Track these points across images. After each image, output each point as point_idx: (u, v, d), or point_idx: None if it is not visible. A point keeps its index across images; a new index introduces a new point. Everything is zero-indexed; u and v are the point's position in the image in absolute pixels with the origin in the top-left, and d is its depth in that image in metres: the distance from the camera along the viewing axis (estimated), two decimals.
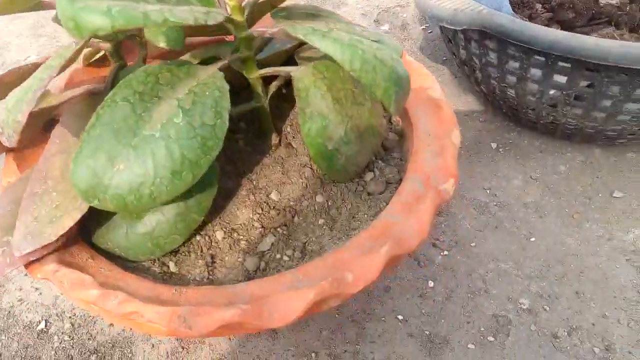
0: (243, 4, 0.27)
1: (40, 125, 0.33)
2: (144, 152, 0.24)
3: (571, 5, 0.58)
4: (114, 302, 0.24)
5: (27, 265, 0.26)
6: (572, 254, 0.45)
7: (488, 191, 0.52)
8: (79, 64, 0.38)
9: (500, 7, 0.46)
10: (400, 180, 0.31)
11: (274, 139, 0.33)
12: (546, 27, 0.41)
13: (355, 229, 0.29)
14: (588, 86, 0.44)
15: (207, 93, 0.25)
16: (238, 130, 0.36)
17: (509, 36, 0.43)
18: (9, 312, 0.42)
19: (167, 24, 0.20)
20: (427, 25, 0.77)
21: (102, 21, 0.20)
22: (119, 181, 0.24)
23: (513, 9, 0.59)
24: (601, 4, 0.60)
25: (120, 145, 0.24)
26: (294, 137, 0.34)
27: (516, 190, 0.51)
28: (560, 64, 0.43)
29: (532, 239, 0.46)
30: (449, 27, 0.47)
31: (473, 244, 0.46)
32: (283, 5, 0.31)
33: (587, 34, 0.56)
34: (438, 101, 0.34)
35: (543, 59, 0.44)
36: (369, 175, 0.32)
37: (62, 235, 0.26)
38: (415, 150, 0.31)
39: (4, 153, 0.32)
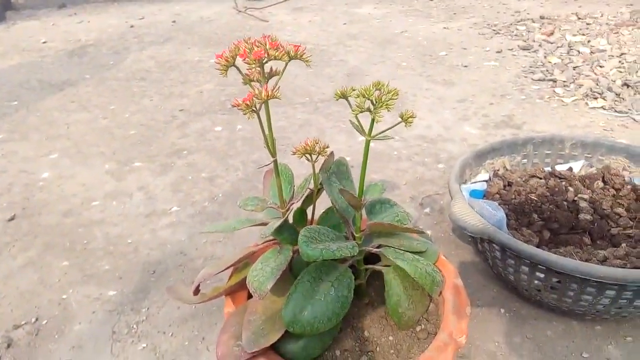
0: (362, 238, 0.56)
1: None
2: (316, 307, 0.51)
3: (556, 219, 0.85)
4: None
5: (249, 359, 0.52)
6: None
7: (496, 343, 0.75)
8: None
9: (502, 227, 0.74)
10: (436, 332, 0.57)
11: (366, 299, 0.60)
12: (527, 245, 0.69)
13: (411, 358, 0.55)
14: (558, 282, 0.70)
15: (344, 280, 0.53)
16: None
17: (505, 247, 0.70)
18: None
19: (343, 256, 0.49)
20: None
21: (317, 255, 0.48)
22: (304, 319, 0.50)
23: (516, 216, 0.88)
24: (580, 219, 0.88)
25: (306, 303, 0.51)
26: (375, 300, 0.61)
27: (516, 345, 0.75)
28: (539, 266, 0.70)
29: None
30: (470, 234, 0.75)
31: None
32: (377, 230, 0.60)
33: (567, 240, 0.83)
34: (459, 287, 0.61)
35: (528, 261, 0.70)
36: (419, 327, 0.58)
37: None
38: (445, 315, 0.57)
39: (224, 295, 0.60)
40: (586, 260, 0.73)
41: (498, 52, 2.16)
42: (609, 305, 0.69)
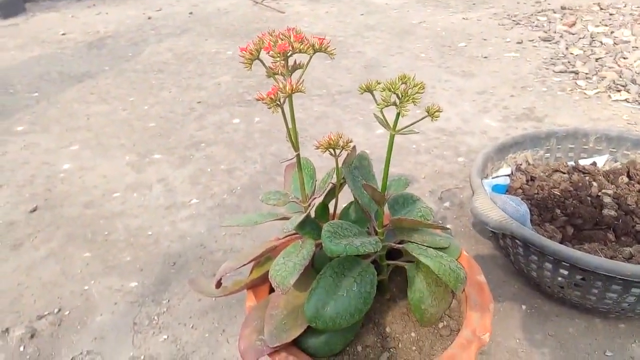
0: (385, 233, 0.56)
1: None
2: (338, 303, 0.51)
3: (580, 215, 0.84)
4: None
5: (271, 353, 0.52)
6: None
7: (517, 340, 0.74)
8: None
9: (525, 222, 0.73)
10: (459, 329, 0.56)
11: (388, 295, 0.60)
12: (551, 241, 0.68)
13: (433, 355, 0.54)
14: (582, 279, 0.69)
15: (366, 276, 0.53)
16: None
17: (528, 243, 0.69)
18: None
19: (366, 252, 0.48)
20: None
21: (341, 250, 0.48)
22: (327, 315, 0.50)
23: (539, 211, 0.87)
24: (604, 214, 0.86)
25: (329, 298, 0.51)
26: (397, 296, 0.61)
27: (537, 342, 0.74)
28: (563, 263, 0.69)
29: None
30: (492, 230, 0.74)
31: None
32: (400, 225, 0.60)
33: (590, 236, 0.81)
34: (482, 284, 0.60)
35: (552, 258, 0.69)
36: (441, 324, 0.57)
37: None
38: (468, 313, 0.57)
39: (246, 289, 0.60)
40: (611, 258, 0.71)
41: (518, 43, 2.12)
42: (634, 303, 0.68)
